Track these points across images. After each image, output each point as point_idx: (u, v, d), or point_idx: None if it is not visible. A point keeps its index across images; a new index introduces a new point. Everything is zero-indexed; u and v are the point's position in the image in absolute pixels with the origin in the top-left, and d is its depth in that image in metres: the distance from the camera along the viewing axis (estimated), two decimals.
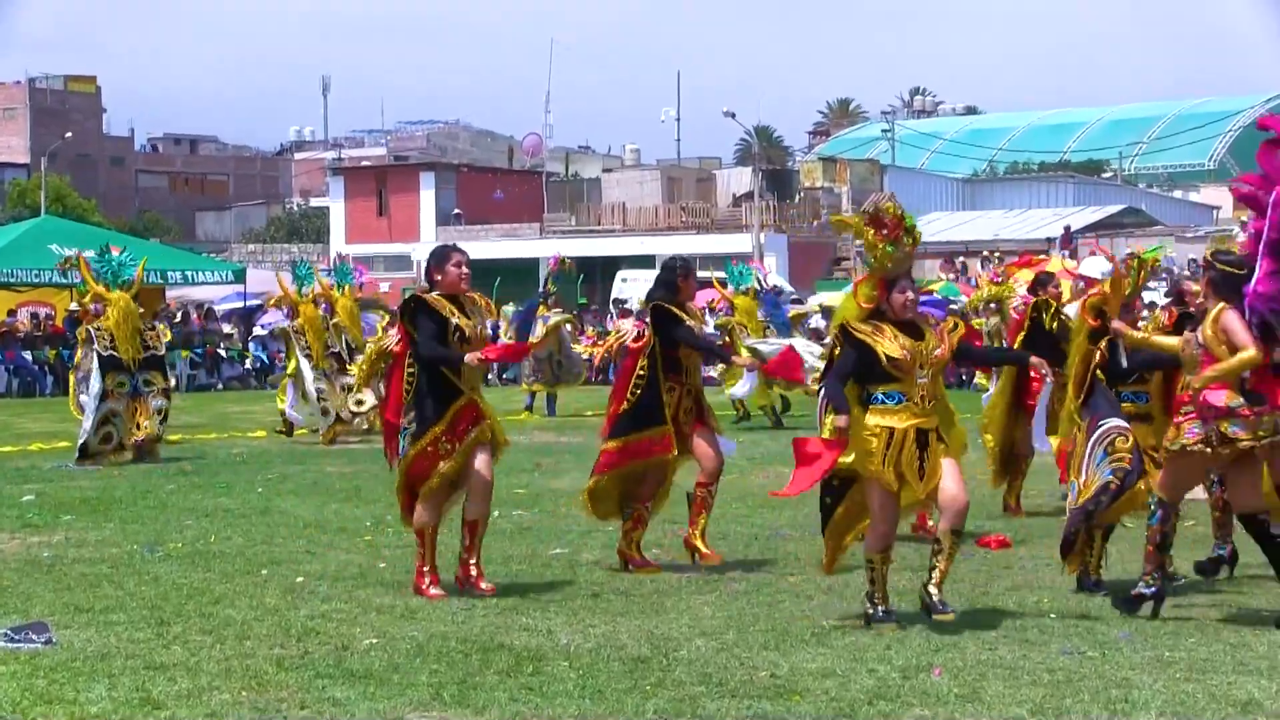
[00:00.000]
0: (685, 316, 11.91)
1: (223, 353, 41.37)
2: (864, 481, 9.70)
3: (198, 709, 7.75)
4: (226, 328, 43.84)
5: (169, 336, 24.50)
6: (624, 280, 49.54)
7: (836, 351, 9.97)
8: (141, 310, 20.57)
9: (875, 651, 8.89)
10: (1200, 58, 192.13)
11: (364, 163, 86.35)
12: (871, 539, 9.75)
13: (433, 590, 10.71)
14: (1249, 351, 9.54)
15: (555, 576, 11.49)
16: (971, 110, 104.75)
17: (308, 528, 14.14)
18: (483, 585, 10.80)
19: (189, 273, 42.84)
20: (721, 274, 27.35)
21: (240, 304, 44.35)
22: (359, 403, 23.00)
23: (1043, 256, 31.62)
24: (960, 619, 9.73)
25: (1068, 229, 52.86)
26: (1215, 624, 9.71)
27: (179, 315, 42.86)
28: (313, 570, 11.80)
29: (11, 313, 38.89)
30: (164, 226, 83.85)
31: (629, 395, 11.86)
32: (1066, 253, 46.27)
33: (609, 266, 54.20)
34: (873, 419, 9.60)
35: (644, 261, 49.73)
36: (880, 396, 9.62)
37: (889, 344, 9.58)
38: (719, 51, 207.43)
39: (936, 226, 58.66)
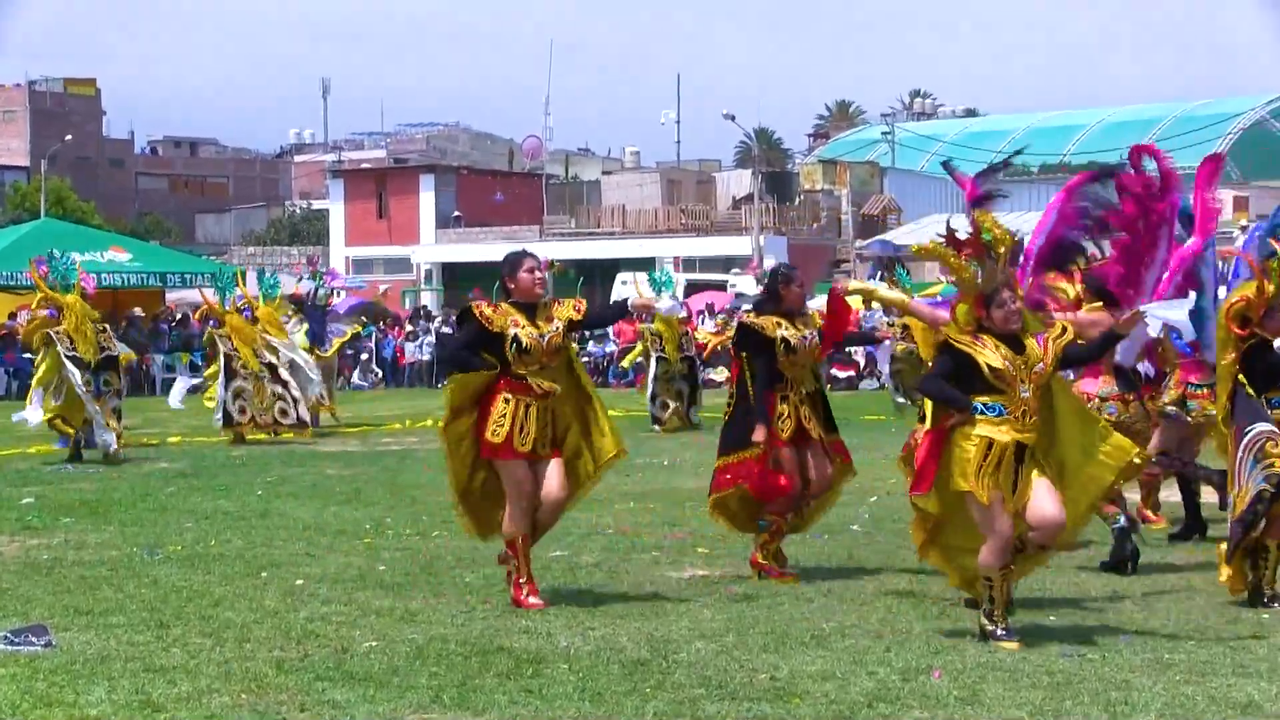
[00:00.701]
0: (781, 325, 11.53)
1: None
2: (965, 496, 9.35)
3: (197, 712, 7.75)
4: None
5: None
6: (623, 283, 49.41)
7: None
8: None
9: (875, 654, 8.89)
10: (1201, 60, 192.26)
11: (364, 165, 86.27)
12: (984, 554, 9.33)
13: (532, 600, 10.39)
14: None
15: (555, 579, 11.49)
16: (971, 113, 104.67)
17: (307, 530, 14.14)
18: (532, 600, 10.44)
19: (189, 275, 42.83)
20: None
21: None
22: (283, 413, 23.92)
23: None
24: (958, 622, 9.74)
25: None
26: (1215, 627, 9.71)
27: (178, 318, 42.85)
28: (312, 573, 11.80)
29: (12, 315, 38.82)
30: (164, 229, 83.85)
31: (725, 408, 11.89)
32: None
33: (609, 269, 54.16)
34: (972, 429, 9.32)
35: (644, 264, 49.69)
36: (980, 406, 9.30)
37: (990, 354, 9.38)
38: (719, 54, 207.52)
39: (937, 229, 58.57)
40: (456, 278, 61.92)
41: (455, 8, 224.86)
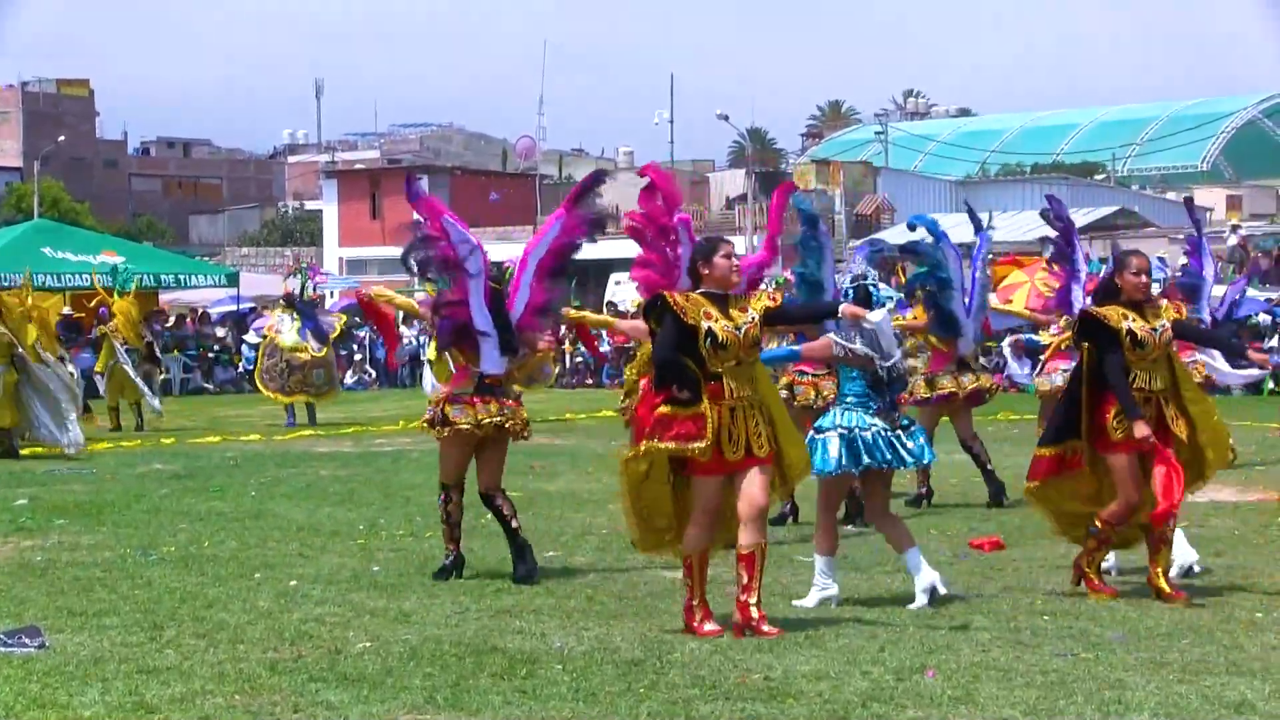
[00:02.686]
0: (1128, 317, 10.59)
1: (216, 356, 41.38)
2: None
3: (191, 713, 7.74)
4: (220, 331, 43.87)
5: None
6: (617, 283, 49.46)
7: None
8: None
9: (869, 654, 8.89)
10: (1193, 59, 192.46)
11: (357, 166, 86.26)
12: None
13: (707, 626, 9.48)
14: None
15: (549, 580, 11.48)
16: (964, 112, 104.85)
17: (301, 531, 14.14)
18: (765, 628, 9.45)
19: (182, 276, 42.87)
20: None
21: (234, 308, 44.39)
22: (114, 410, 26.01)
23: (1036, 258, 31.63)
24: (953, 621, 9.75)
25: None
26: (1209, 626, 9.71)
27: (172, 319, 42.85)
28: (306, 574, 11.79)
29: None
30: (158, 230, 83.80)
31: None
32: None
33: (602, 270, 54.13)
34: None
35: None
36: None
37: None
38: (712, 54, 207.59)
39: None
40: None
41: (449, 8, 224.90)
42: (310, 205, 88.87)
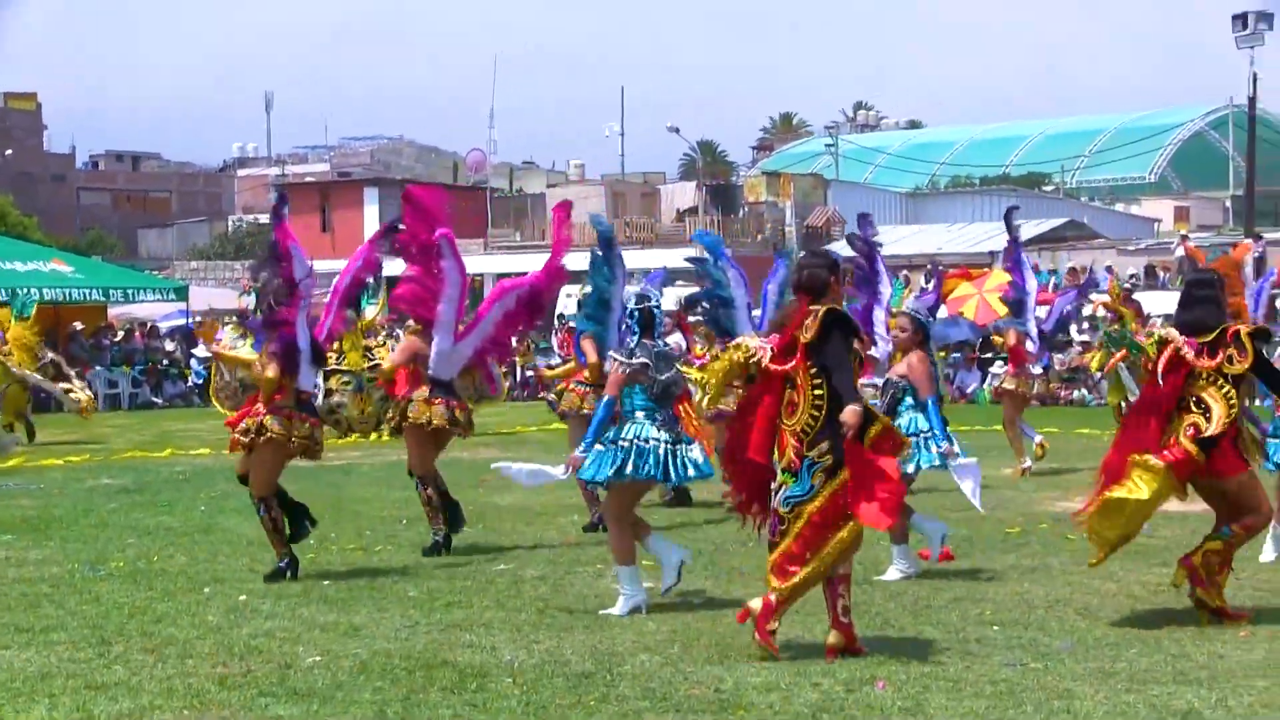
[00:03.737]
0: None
1: (165, 370, 41.18)
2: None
3: None
4: (169, 345, 43.65)
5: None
6: (569, 296, 49.34)
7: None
8: None
9: (819, 665, 8.90)
10: (1141, 72, 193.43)
11: (307, 179, 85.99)
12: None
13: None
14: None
15: (499, 593, 11.48)
16: (914, 124, 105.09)
17: (251, 546, 14.08)
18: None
19: (131, 290, 42.62)
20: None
21: (183, 322, 44.19)
22: (9, 427, 25.94)
23: (984, 270, 31.76)
24: (903, 633, 9.77)
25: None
26: (1156, 635, 9.76)
27: (121, 333, 42.64)
28: (255, 589, 11.76)
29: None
30: (107, 244, 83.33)
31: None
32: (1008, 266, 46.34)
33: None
34: None
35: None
36: None
37: None
38: (663, 67, 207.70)
39: (880, 240, 58.86)
40: None
41: (399, 21, 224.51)
42: (260, 218, 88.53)
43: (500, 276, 17.96)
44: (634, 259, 56.85)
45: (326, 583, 12.00)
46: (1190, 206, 70.67)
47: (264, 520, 12.39)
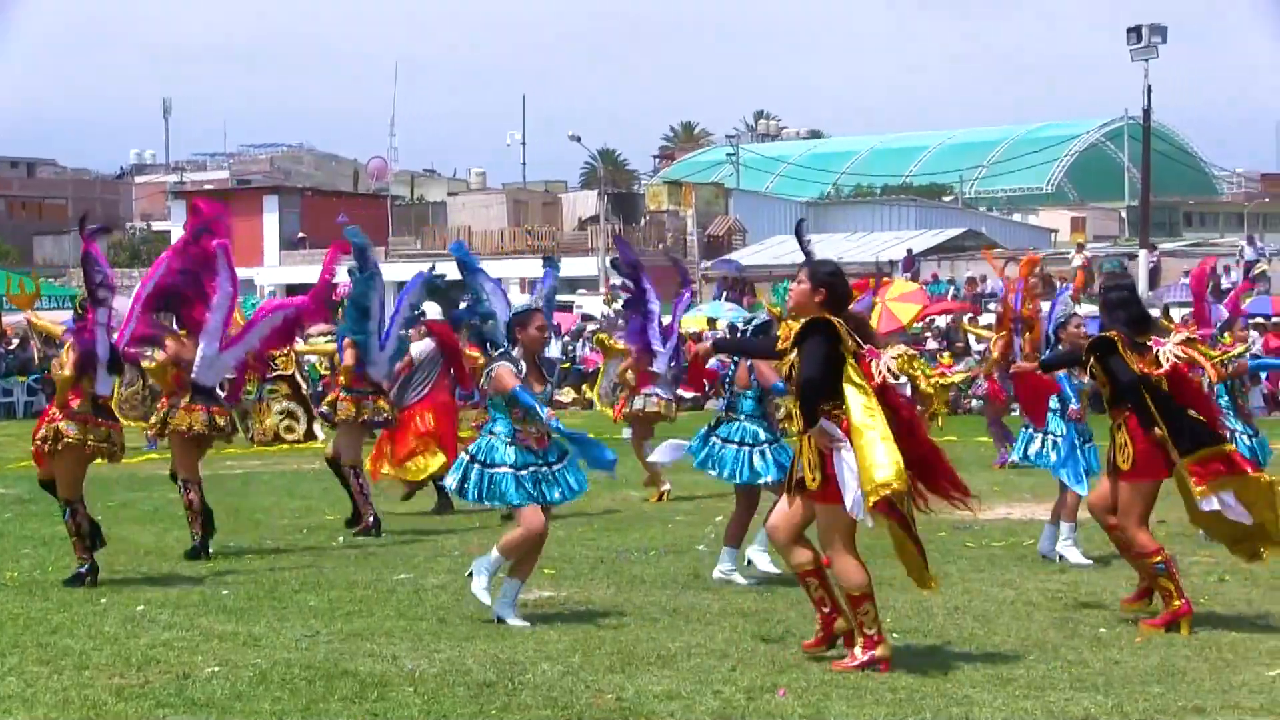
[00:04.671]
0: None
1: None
2: None
3: None
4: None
5: None
6: None
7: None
8: None
9: (720, 673, 8.92)
10: (1037, 84, 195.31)
11: (206, 186, 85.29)
12: None
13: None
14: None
15: (400, 602, 11.43)
16: (815, 134, 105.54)
17: (149, 555, 13.97)
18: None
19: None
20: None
21: None
22: None
23: (885, 279, 32.02)
24: (801, 640, 9.80)
25: (910, 252, 53.45)
26: (1054, 642, 9.85)
27: (16, 341, 42.14)
28: (153, 598, 11.65)
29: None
30: (0, 251, 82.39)
31: None
32: (908, 275, 46.76)
33: (456, 290, 54.04)
34: None
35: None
36: None
37: None
38: (564, 76, 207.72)
39: (781, 250, 59.06)
40: None
41: (298, 28, 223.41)
42: (158, 226, 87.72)
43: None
44: (535, 268, 56.93)
45: (225, 592, 11.91)
46: (1086, 217, 71.39)
47: (69, 524, 12.65)
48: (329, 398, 16.44)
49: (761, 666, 9.11)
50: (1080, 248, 49.97)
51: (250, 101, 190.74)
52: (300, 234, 67.91)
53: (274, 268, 67.10)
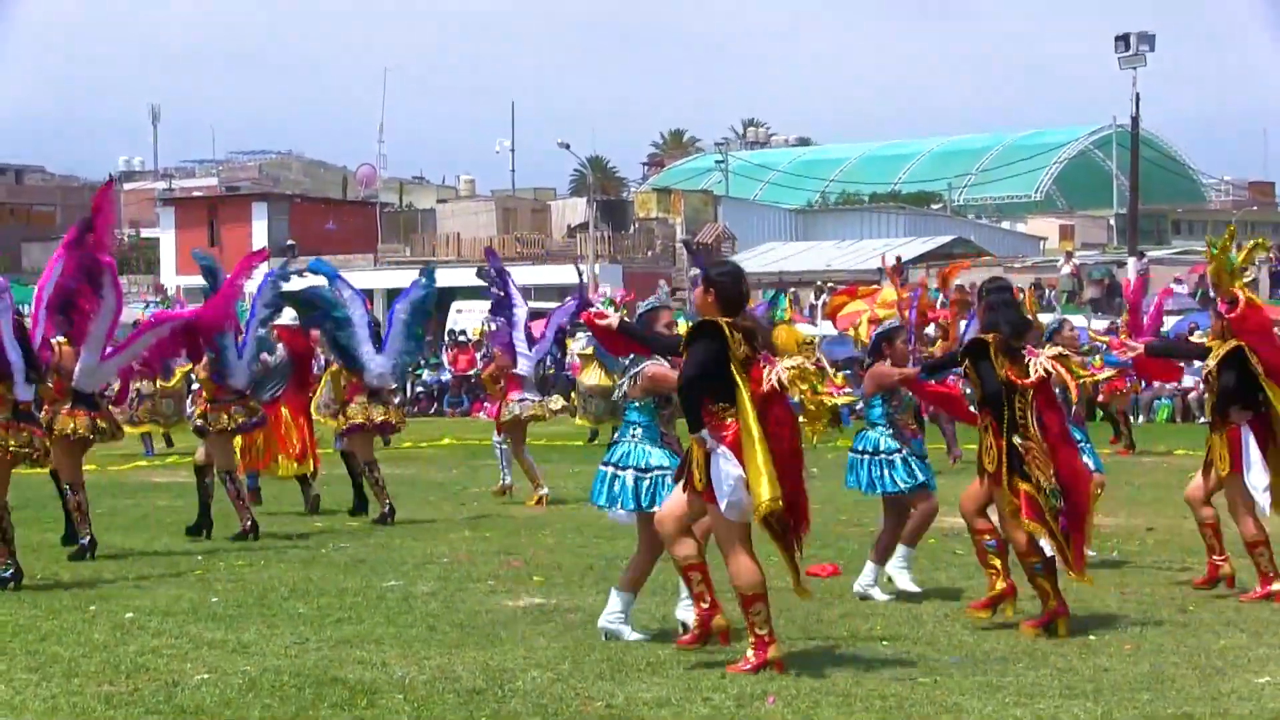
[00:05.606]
0: None
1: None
2: None
3: None
4: None
5: None
6: (459, 311, 49.21)
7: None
8: None
9: (710, 680, 8.92)
10: (1027, 91, 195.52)
11: (195, 193, 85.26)
12: None
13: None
14: None
15: (390, 609, 11.42)
16: (804, 141, 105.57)
17: (137, 563, 13.95)
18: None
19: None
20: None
21: None
22: None
23: (874, 286, 32.01)
24: (794, 647, 9.81)
25: (899, 259, 53.50)
26: (1043, 649, 9.86)
27: None
28: (142, 605, 11.63)
29: None
30: None
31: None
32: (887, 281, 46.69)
33: (444, 297, 53.92)
34: None
35: (479, 292, 49.27)
36: None
37: None
38: (553, 82, 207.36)
39: (770, 257, 59.12)
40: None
41: (287, 35, 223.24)
42: (146, 233, 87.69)
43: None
44: (524, 275, 56.94)
45: (215, 599, 11.90)
46: (1075, 224, 71.43)
47: None
48: (198, 410, 16.84)
49: (751, 674, 9.11)
50: (1069, 254, 50.00)
51: (239, 108, 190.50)
52: (289, 241, 67.83)
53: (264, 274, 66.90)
